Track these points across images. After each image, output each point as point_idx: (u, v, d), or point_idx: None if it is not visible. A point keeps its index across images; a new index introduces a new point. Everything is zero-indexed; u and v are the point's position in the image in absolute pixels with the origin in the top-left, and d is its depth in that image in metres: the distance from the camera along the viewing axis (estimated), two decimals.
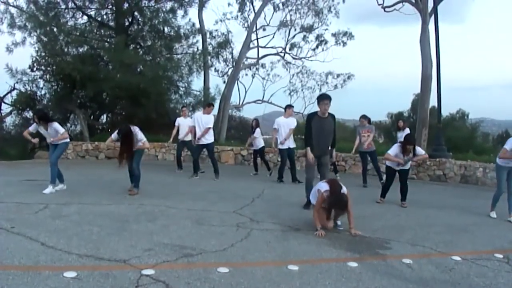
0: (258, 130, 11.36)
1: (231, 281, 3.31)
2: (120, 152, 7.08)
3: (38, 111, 8.25)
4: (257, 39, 21.23)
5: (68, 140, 7.23)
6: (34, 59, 15.89)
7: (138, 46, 17.93)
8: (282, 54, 22.18)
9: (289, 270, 3.65)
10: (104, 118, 19.42)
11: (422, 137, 15.10)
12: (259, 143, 11.35)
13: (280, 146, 9.87)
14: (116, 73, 15.22)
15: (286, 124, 9.78)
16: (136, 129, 7.20)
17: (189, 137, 10.73)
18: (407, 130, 10.64)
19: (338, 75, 22.46)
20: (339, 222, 5.42)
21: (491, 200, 6.85)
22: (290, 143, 9.82)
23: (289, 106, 10.29)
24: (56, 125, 7.07)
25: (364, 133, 10.03)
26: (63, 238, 4.16)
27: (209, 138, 9.66)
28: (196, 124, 9.63)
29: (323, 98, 6.49)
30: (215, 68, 21.24)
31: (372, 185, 10.05)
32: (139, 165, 7.22)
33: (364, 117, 10.23)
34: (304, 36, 21.68)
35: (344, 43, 21.61)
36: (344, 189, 5.13)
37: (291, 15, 21.25)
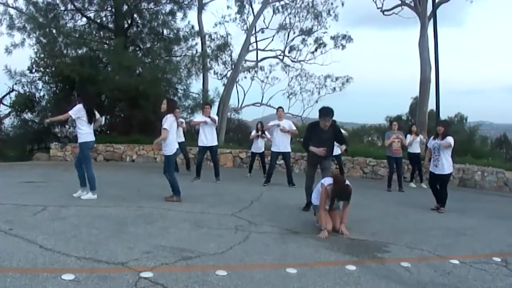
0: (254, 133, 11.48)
1: (230, 284, 3.31)
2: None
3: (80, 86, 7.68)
4: (256, 42, 21.32)
5: (84, 139, 6.54)
6: (33, 60, 15.88)
7: (137, 48, 17.91)
8: (281, 57, 22.27)
9: (288, 273, 3.65)
10: (102, 120, 19.35)
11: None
12: (262, 146, 11.38)
13: (273, 149, 9.83)
14: (115, 75, 15.19)
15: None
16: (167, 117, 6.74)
17: (181, 139, 10.74)
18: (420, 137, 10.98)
19: (336, 78, 22.56)
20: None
21: None
22: (286, 147, 9.79)
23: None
24: (77, 106, 6.46)
25: (394, 138, 10.07)
26: (62, 240, 4.16)
27: (214, 140, 9.71)
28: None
29: (325, 115, 6.25)
30: (214, 71, 21.30)
31: (377, 188, 10.06)
32: (170, 172, 6.83)
33: (397, 121, 10.58)
34: (303, 39, 21.77)
35: (343, 46, 21.73)
36: (348, 183, 5.18)
37: (290, 18, 21.35)
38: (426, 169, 8.19)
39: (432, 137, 7.60)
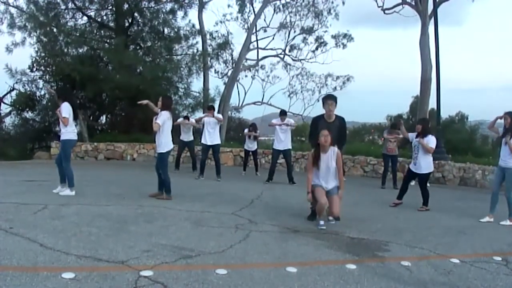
0: (246, 130, 11.88)
1: (230, 282, 3.31)
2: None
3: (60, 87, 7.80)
4: (257, 40, 21.28)
5: (67, 137, 6.65)
6: (33, 59, 15.91)
7: (138, 47, 17.92)
8: (282, 56, 22.22)
9: (288, 272, 3.64)
10: (103, 118, 19.42)
11: None
12: (255, 144, 11.70)
13: (274, 147, 9.99)
14: (115, 74, 15.22)
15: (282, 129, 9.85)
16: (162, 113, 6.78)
17: (190, 138, 11.00)
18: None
19: (337, 77, 22.48)
20: (330, 217, 5.47)
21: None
22: (287, 144, 9.86)
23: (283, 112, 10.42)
24: (64, 105, 6.53)
25: (391, 138, 10.10)
26: (62, 239, 4.15)
27: (217, 139, 9.88)
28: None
29: (327, 98, 6.18)
30: (214, 70, 21.25)
31: (377, 186, 10.08)
32: (164, 170, 6.82)
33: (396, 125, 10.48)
34: (304, 38, 21.72)
35: (344, 45, 21.66)
36: None
37: (291, 17, 21.30)
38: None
39: (415, 134, 7.48)
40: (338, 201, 5.36)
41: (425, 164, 7.24)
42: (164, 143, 6.81)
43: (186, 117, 11.27)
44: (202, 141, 9.83)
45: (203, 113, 10.24)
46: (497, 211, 6.58)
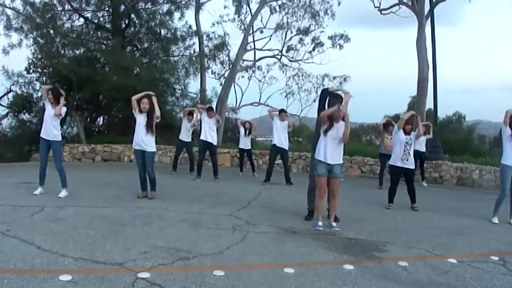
0: (242, 129, 11.67)
1: (227, 284, 3.30)
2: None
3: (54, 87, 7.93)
4: (253, 41, 21.28)
5: (60, 138, 6.85)
6: (30, 61, 15.83)
7: (134, 48, 17.90)
8: (279, 57, 22.21)
9: (285, 273, 3.65)
10: (100, 120, 19.37)
11: None
12: (249, 142, 11.70)
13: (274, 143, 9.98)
14: (112, 76, 15.18)
15: (282, 127, 9.83)
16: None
17: (189, 138, 11.01)
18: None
19: (334, 77, 22.45)
20: (334, 224, 5.47)
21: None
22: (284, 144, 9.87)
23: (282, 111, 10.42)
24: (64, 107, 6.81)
25: (388, 135, 10.15)
26: (59, 241, 4.15)
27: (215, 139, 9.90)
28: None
29: (336, 98, 5.90)
30: (211, 70, 21.24)
31: (375, 187, 10.09)
32: (152, 168, 7.04)
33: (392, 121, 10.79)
34: (301, 38, 21.75)
35: (341, 46, 21.66)
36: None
37: (287, 18, 21.31)
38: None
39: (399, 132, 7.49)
40: (338, 184, 5.63)
41: (412, 159, 7.36)
42: (154, 142, 7.13)
43: (191, 114, 11.25)
44: (201, 137, 9.80)
45: (200, 114, 10.18)
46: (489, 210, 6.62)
